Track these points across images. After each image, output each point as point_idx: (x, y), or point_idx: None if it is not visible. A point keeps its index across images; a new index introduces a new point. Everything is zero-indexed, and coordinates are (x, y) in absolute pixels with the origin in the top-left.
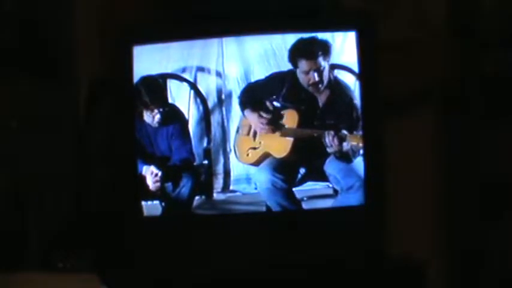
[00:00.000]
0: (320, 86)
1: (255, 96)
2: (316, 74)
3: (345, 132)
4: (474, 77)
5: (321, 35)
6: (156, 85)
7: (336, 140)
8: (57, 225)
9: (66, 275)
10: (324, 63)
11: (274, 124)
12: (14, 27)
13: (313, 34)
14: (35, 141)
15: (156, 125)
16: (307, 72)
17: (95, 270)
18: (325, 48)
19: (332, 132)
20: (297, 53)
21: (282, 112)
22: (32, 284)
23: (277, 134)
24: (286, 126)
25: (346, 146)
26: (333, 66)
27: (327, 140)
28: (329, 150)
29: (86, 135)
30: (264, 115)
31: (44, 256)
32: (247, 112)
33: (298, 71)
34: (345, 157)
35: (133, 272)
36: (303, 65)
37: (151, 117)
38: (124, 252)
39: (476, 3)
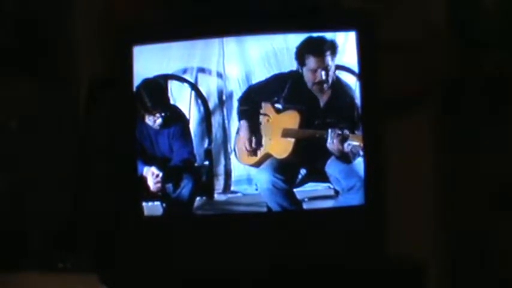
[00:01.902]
0: (325, 85)
1: (254, 103)
2: (323, 73)
3: (347, 132)
4: (474, 77)
5: (328, 35)
6: (157, 88)
7: (337, 140)
8: (57, 225)
9: (66, 275)
10: (331, 63)
11: (256, 149)
12: (14, 27)
13: (320, 34)
14: (35, 141)
15: (158, 127)
16: (314, 70)
17: (95, 270)
18: (333, 48)
19: (336, 131)
20: (305, 50)
21: (282, 113)
22: (32, 284)
23: (278, 135)
24: (287, 127)
25: (347, 147)
26: (335, 67)
27: (329, 139)
28: (329, 147)
29: (86, 135)
30: (253, 140)
31: (44, 256)
32: (242, 123)
33: (305, 69)
34: (345, 158)
35: (133, 272)
36: (311, 62)
37: (153, 121)
38: (124, 252)
39: (476, 3)
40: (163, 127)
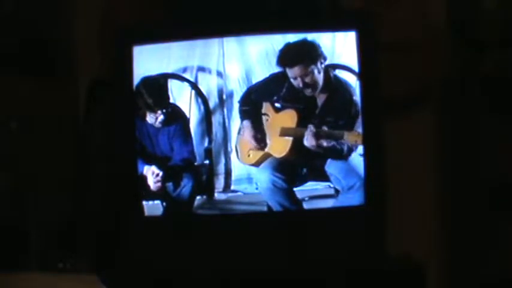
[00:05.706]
0: (313, 88)
1: (254, 104)
2: (301, 80)
3: (325, 128)
4: (474, 77)
5: (310, 36)
6: (157, 86)
7: (312, 137)
8: (57, 225)
9: (66, 275)
10: (316, 66)
11: (263, 146)
12: (14, 27)
13: (301, 37)
14: (35, 141)
15: (159, 125)
16: (295, 78)
17: (95, 270)
18: (313, 52)
19: (311, 128)
20: (282, 59)
21: (281, 113)
22: (32, 284)
23: (277, 134)
24: (285, 126)
25: (327, 144)
26: (334, 66)
27: (305, 135)
28: (305, 143)
29: (86, 135)
30: (258, 136)
31: (44, 256)
32: (245, 123)
33: (288, 75)
34: (336, 154)
35: (133, 272)
36: (289, 72)
37: (155, 119)
38: (124, 252)
39: (476, 3)
40: (165, 125)
